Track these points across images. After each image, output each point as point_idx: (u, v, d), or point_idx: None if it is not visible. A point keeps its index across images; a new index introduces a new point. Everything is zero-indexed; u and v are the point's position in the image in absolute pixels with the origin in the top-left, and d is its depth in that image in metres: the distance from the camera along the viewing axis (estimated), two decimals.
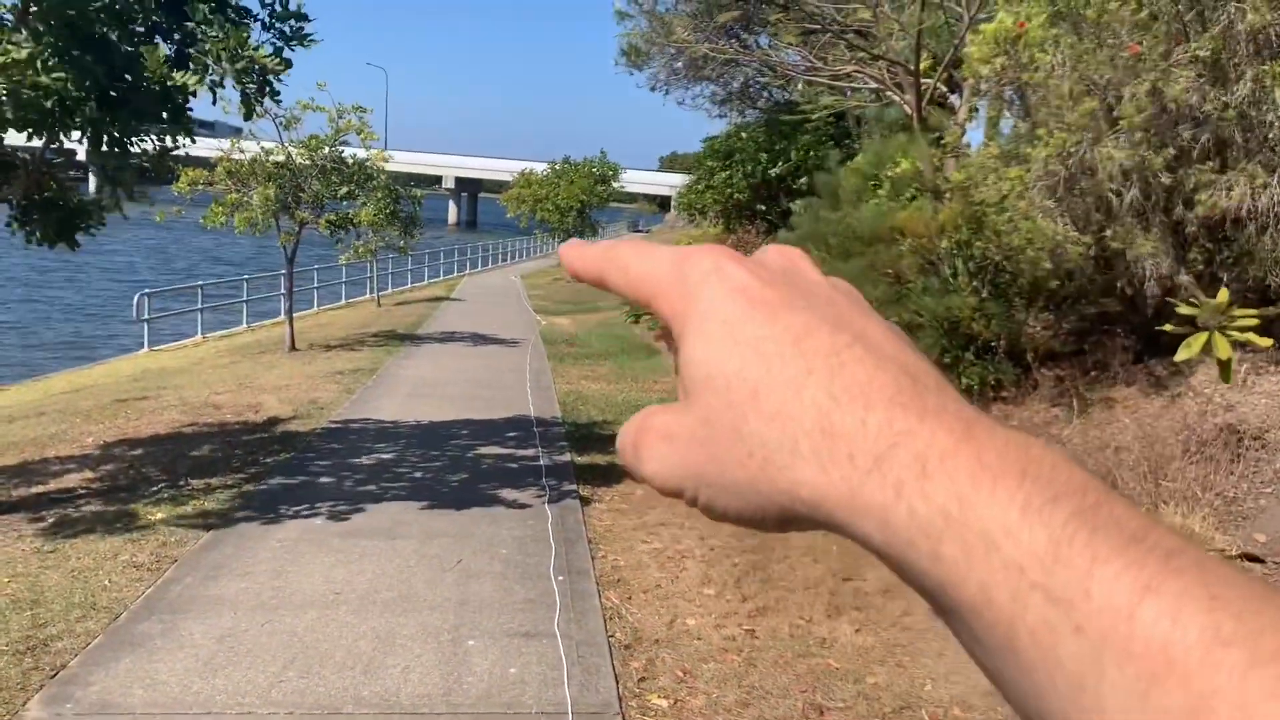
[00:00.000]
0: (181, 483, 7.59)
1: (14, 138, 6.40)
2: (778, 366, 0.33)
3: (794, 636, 4.92)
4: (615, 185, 35.46)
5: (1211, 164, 6.48)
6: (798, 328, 0.34)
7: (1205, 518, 5.13)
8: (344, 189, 15.92)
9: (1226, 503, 5.33)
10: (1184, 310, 4.78)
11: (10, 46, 5.62)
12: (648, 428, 0.37)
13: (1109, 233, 6.49)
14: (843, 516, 0.31)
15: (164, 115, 6.67)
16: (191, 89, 6.26)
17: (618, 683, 4.41)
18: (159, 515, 6.72)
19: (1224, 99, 6.08)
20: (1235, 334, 4.36)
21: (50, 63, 5.67)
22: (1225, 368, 4.74)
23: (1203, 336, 4.71)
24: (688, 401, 0.36)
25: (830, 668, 4.57)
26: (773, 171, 16.95)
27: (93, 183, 8.80)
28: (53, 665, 4.44)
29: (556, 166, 34.95)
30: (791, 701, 4.24)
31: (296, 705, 4.13)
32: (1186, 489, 5.42)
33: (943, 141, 9.37)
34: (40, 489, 7.42)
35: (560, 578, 5.73)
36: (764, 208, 17.13)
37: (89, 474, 7.89)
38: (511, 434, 9.90)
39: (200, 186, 15.10)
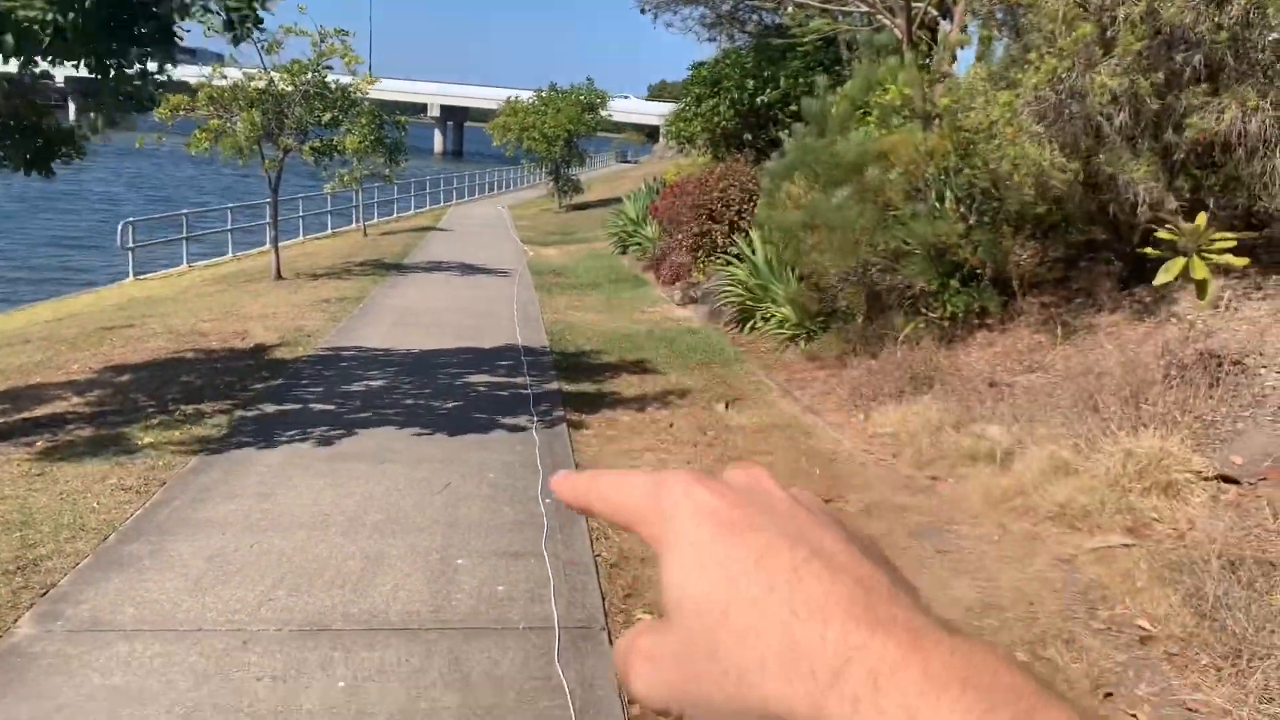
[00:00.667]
0: (169, 408, 7.60)
1: None
2: (743, 585, 0.36)
3: None
4: (603, 114, 34.96)
5: (1203, 87, 6.43)
6: (760, 546, 0.37)
7: (1183, 440, 5.20)
8: (327, 115, 15.70)
9: (1205, 426, 5.40)
10: (1164, 235, 4.79)
11: None
12: (635, 648, 0.40)
13: (1100, 157, 6.46)
14: None
15: (149, 41, 6.53)
16: (179, 14, 6.11)
17: (603, 599, 4.48)
18: (147, 440, 6.74)
19: (1217, 20, 6.02)
20: (1213, 256, 4.37)
21: None
22: (1202, 288, 4.76)
23: (1181, 261, 4.73)
24: (668, 622, 0.38)
25: None
26: (761, 99, 16.77)
27: (72, 110, 8.66)
28: (43, 584, 4.49)
29: (543, 94, 34.43)
30: None
31: (286, 622, 4.19)
32: (1166, 413, 5.49)
33: (932, 66, 9.28)
34: (27, 415, 7.43)
35: (547, 500, 5.79)
36: (751, 136, 16.97)
37: (76, 400, 7.90)
38: (499, 363, 9.92)
39: (182, 113, 14.87)
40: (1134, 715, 3.48)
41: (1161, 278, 4.35)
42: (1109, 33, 6.55)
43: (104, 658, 3.85)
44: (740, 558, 0.37)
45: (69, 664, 3.80)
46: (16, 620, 4.15)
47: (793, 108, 12.79)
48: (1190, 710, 3.48)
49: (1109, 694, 3.62)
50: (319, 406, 7.90)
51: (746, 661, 0.35)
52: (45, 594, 4.40)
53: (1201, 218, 4.46)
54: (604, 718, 3.52)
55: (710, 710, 0.36)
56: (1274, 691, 3.35)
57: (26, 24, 5.55)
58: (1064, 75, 6.77)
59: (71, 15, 5.73)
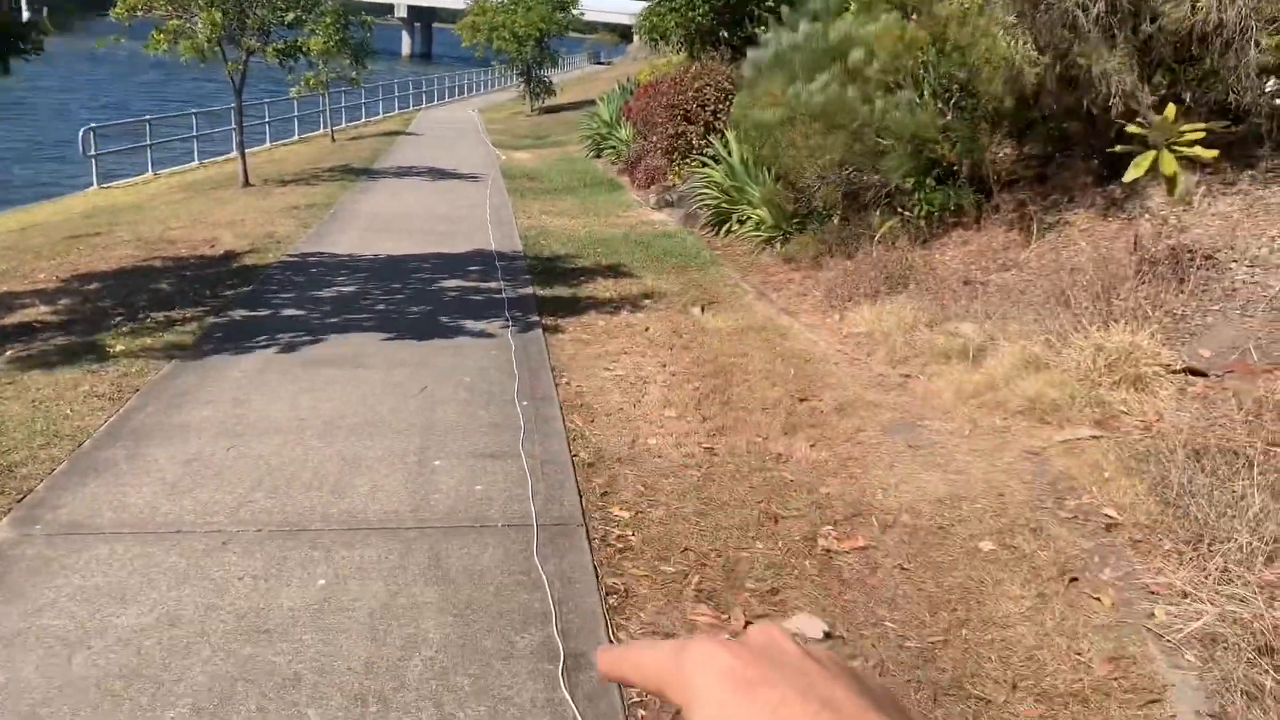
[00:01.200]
0: (140, 316, 7.52)
1: None
2: None
3: (751, 453, 5.05)
4: (575, 13, 34.15)
5: None
6: (775, 701, 0.42)
7: (1154, 334, 5.25)
8: (290, 15, 15.25)
9: (1175, 320, 5.45)
10: (1134, 129, 4.76)
11: None
12: None
13: (1075, 49, 6.37)
14: None
15: None
16: None
17: (581, 497, 4.53)
18: (118, 347, 6.68)
19: None
20: (1183, 149, 4.35)
21: None
22: (1172, 183, 4.75)
23: (1150, 155, 4.70)
24: None
25: (785, 480, 4.72)
26: None
27: (25, 8, 8.37)
28: (19, 490, 4.49)
29: None
30: (747, 511, 4.39)
31: (265, 523, 4.22)
32: (1137, 308, 5.53)
33: None
34: None
35: (524, 402, 5.81)
36: (727, 33, 16.62)
37: (45, 309, 7.79)
38: (473, 268, 9.84)
39: (139, 13, 14.39)
40: (1097, 598, 3.58)
41: (1131, 173, 4.33)
42: None
43: (84, 559, 3.87)
44: (757, 713, 0.41)
45: (49, 566, 3.82)
46: None
47: (769, 2, 12.50)
48: (1152, 592, 3.58)
49: (1074, 579, 3.72)
50: (292, 313, 7.84)
51: None
52: (22, 499, 4.40)
53: (1171, 110, 4.42)
54: (583, 609, 3.59)
55: None
56: (1233, 574, 3.45)
57: None
58: None
59: None
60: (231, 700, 3.02)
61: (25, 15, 7.97)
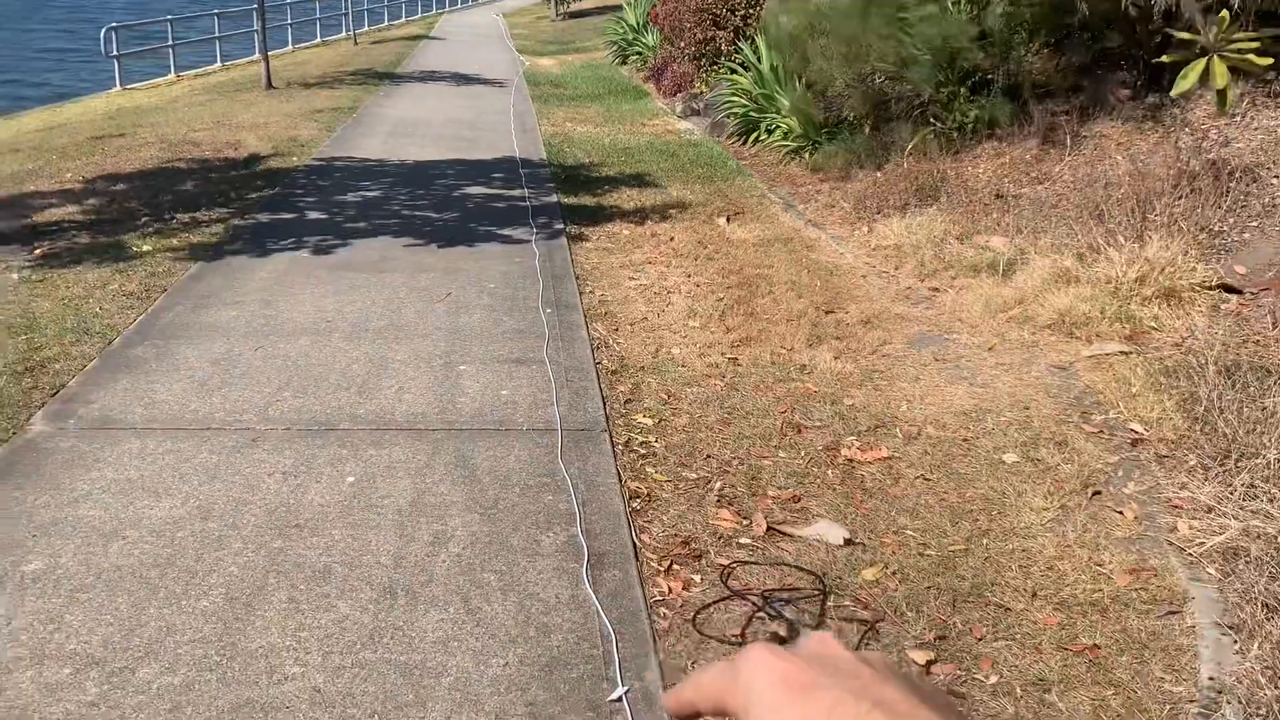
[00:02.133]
0: (166, 217, 7.53)
1: None
2: None
3: (775, 364, 5.04)
4: None
5: None
6: (828, 702, 0.43)
7: (1188, 250, 5.16)
8: None
9: (1211, 236, 5.35)
10: (1183, 35, 4.61)
11: None
12: None
13: None
14: None
15: None
16: None
17: (604, 404, 4.55)
18: (146, 247, 6.70)
19: None
20: (1233, 57, 4.21)
21: None
22: (1222, 95, 4.62)
23: (1200, 64, 4.57)
24: None
25: (809, 391, 4.72)
26: None
27: None
28: (52, 385, 4.55)
29: None
30: (771, 420, 4.40)
31: (294, 422, 4.27)
32: (1172, 222, 5.43)
33: None
34: (24, 222, 7.36)
35: (548, 310, 5.80)
36: None
37: (72, 208, 7.81)
38: (497, 174, 9.76)
39: None
40: (1120, 511, 3.59)
41: (1180, 85, 4.19)
42: None
43: (116, 453, 3.94)
44: (811, 714, 0.43)
45: (83, 459, 3.89)
46: (29, 418, 4.22)
47: None
48: (1176, 507, 3.58)
49: (1097, 492, 3.73)
50: (317, 216, 7.82)
51: None
52: (55, 394, 4.46)
53: (1224, 15, 4.27)
54: (606, 511, 3.63)
55: None
56: (1259, 490, 3.44)
57: None
58: None
59: None
60: (263, 591, 3.09)
61: None
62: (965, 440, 4.21)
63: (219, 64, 20.30)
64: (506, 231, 7.55)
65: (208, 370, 4.77)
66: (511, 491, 3.75)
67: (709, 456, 4.10)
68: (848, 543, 3.47)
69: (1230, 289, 4.91)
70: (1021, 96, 7.74)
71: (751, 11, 13.05)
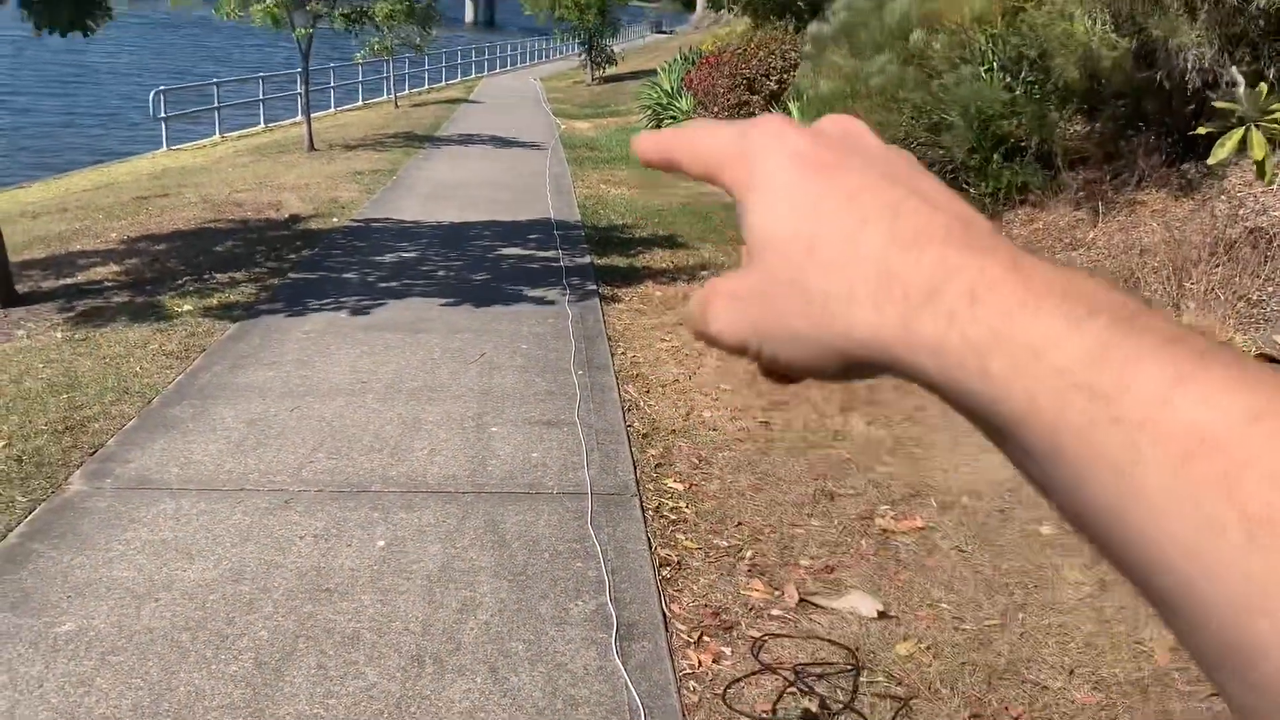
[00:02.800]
0: (206, 276, 7.66)
1: None
2: (833, 221, 0.35)
3: (807, 429, 5.02)
4: None
5: None
6: (853, 185, 0.36)
7: (1226, 318, 5.11)
8: None
9: (1250, 305, 5.30)
10: (1222, 105, 4.61)
11: None
12: (715, 290, 0.39)
13: (1157, 22, 6.18)
14: (898, 351, 0.33)
15: None
16: None
17: (635, 467, 4.54)
18: (186, 307, 6.82)
19: None
20: (1271, 128, 4.20)
21: None
22: (1261, 167, 4.61)
23: (1237, 133, 4.56)
24: (751, 264, 0.38)
25: (842, 458, 4.69)
26: None
27: None
28: (91, 444, 4.61)
29: None
30: (803, 487, 4.37)
31: (326, 484, 4.29)
32: (1209, 291, 5.39)
33: None
34: (68, 281, 7.52)
35: (580, 371, 5.83)
36: None
37: (115, 267, 7.97)
38: (532, 236, 9.87)
39: None
40: None
41: (1217, 154, 4.19)
42: None
43: (152, 514, 3.97)
44: (833, 194, 0.36)
45: (119, 519, 3.92)
46: (68, 477, 4.28)
47: None
48: None
49: None
50: (354, 276, 7.93)
51: (834, 291, 0.34)
52: (94, 453, 4.52)
53: (1264, 86, 4.27)
54: (636, 579, 3.60)
55: (790, 343, 0.36)
56: None
57: None
58: None
59: None
60: (292, 656, 3.09)
61: None
62: (1001, 511, 4.16)
63: (262, 126, 20.77)
64: (540, 292, 7.61)
65: (243, 431, 4.82)
66: (541, 557, 3.73)
67: (740, 523, 4.07)
68: (881, 616, 3.42)
69: (1270, 359, 4.84)
70: (1055, 162, 7.75)
71: (785, 78, 13.22)
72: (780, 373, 0.38)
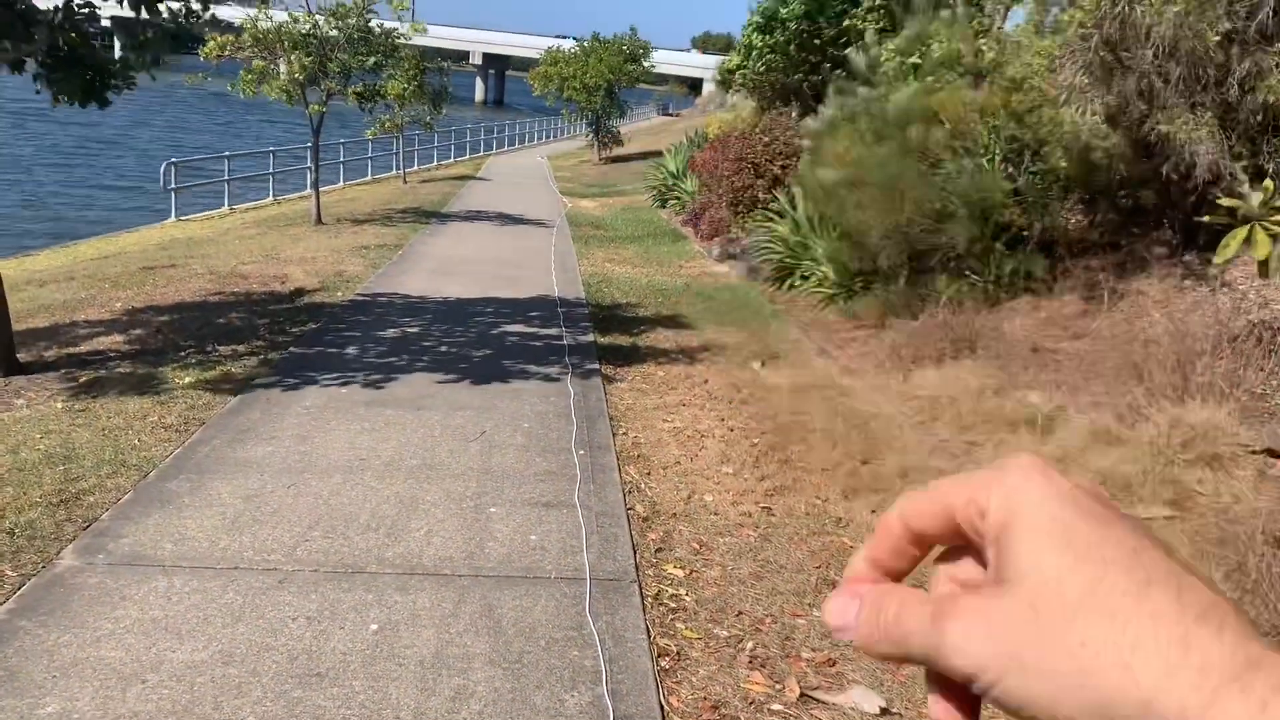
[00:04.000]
0: (209, 349, 7.67)
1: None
2: (1116, 571, 0.35)
3: (810, 515, 4.97)
4: (645, 65, 34.60)
5: (1277, 47, 6.19)
6: (1132, 541, 0.36)
7: (1231, 413, 5.09)
8: (371, 60, 15.64)
9: (1254, 399, 5.28)
10: (1226, 202, 4.65)
11: None
12: (957, 605, 0.38)
13: (1157, 117, 6.25)
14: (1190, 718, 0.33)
15: None
16: None
17: (635, 552, 4.48)
18: (187, 379, 6.80)
19: None
20: (1275, 227, 4.24)
21: None
22: (1264, 265, 4.63)
23: (1242, 232, 4.59)
24: (1010, 588, 0.37)
25: (845, 545, 4.63)
26: (814, 34, 16.48)
27: (118, 47, 8.68)
28: (85, 518, 4.56)
29: (585, 44, 34.09)
30: (805, 576, 4.31)
31: (321, 564, 4.23)
32: (1214, 384, 5.37)
33: (984, 21, 9.06)
34: (71, 350, 7.52)
35: (581, 452, 5.79)
36: (803, 79, 16.68)
37: (118, 338, 7.98)
38: (536, 313, 9.91)
39: (227, 53, 14.86)
40: None
41: (1223, 253, 4.21)
42: None
43: (143, 591, 3.91)
44: (1113, 543, 0.36)
45: (109, 596, 3.86)
46: (60, 552, 4.22)
47: (845, 51, 12.56)
48: None
49: None
50: (357, 351, 7.94)
51: (1115, 638, 0.34)
52: (88, 527, 4.47)
53: (1269, 185, 4.31)
54: (634, 670, 3.53)
55: (1045, 678, 0.35)
56: None
57: None
58: (1109, 10, 6.52)
59: None
60: None
61: (118, 49, 8.24)
62: None
63: (271, 198, 21.01)
64: (542, 370, 7.61)
65: (240, 507, 4.77)
66: (537, 645, 3.66)
67: (741, 613, 4.00)
68: (884, 712, 3.34)
69: (1275, 454, 4.81)
70: (1057, 252, 7.81)
71: (790, 162, 13.39)
72: (1014, 707, 0.36)
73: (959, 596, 0.38)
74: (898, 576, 0.44)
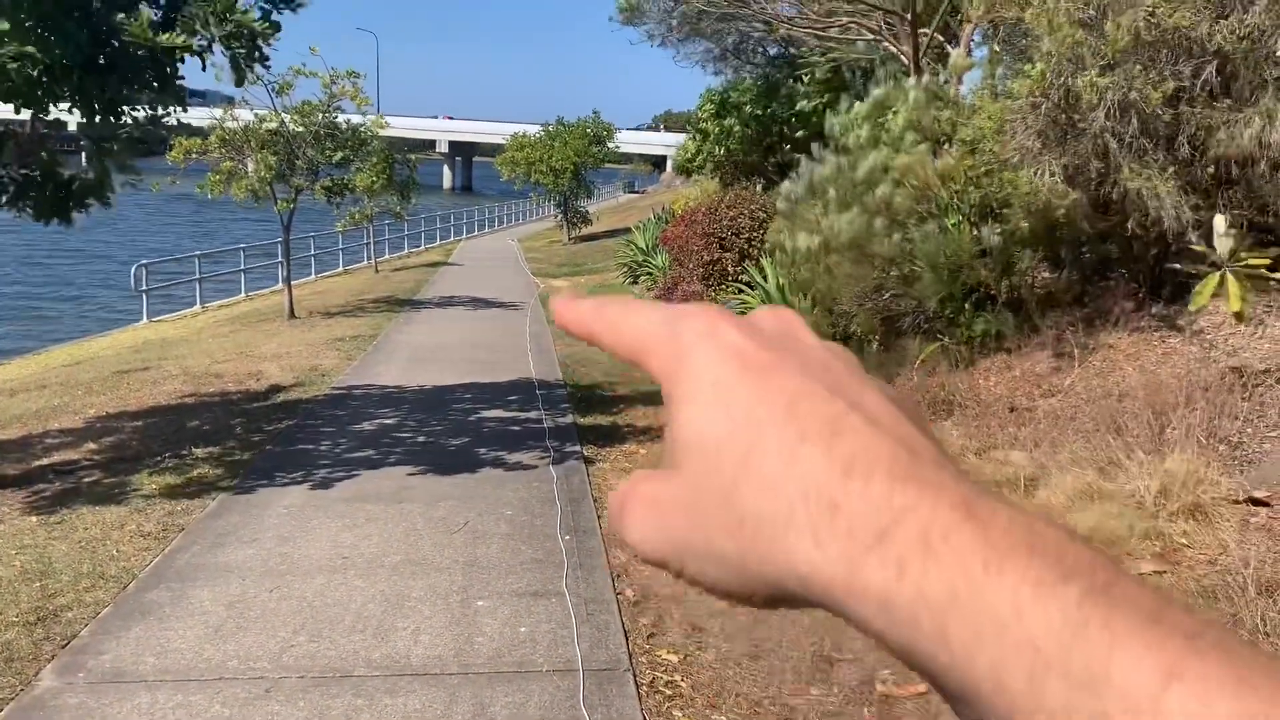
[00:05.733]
0: (185, 452, 7.59)
1: (2, 111, 6.33)
2: (770, 432, 0.32)
3: None
4: (610, 146, 35.13)
5: (1227, 102, 6.37)
6: (791, 392, 0.33)
7: (1210, 463, 5.13)
8: (339, 155, 15.81)
9: (1231, 447, 5.33)
10: (1198, 249, 4.74)
11: None
12: (634, 494, 0.36)
13: (1122, 172, 6.40)
14: (838, 596, 0.30)
15: (153, 83, 6.58)
16: (179, 53, 6.18)
17: (627, 639, 4.43)
18: (164, 485, 6.72)
19: (1234, 30, 5.97)
20: (1245, 273, 4.32)
21: (34, 30, 5.60)
22: (1239, 314, 4.71)
23: (1213, 280, 4.68)
24: (676, 468, 0.34)
25: (839, 621, 4.58)
26: (768, 116, 16.83)
27: (84, 157, 8.74)
28: (63, 635, 4.46)
29: (550, 128, 34.61)
30: (800, 654, 4.26)
31: (308, 669, 4.15)
32: (1190, 434, 5.42)
33: (940, 90, 9.28)
34: (44, 461, 7.43)
35: (567, 537, 5.74)
36: (760, 159, 17.02)
37: (92, 445, 7.89)
38: (513, 397, 9.89)
39: (194, 156, 14.99)
40: None
41: (1196, 302, 4.29)
42: (1103, 42, 6.51)
43: (126, 709, 3.81)
44: (770, 402, 0.33)
45: (90, 716, 3.76)
46: (38, 673, 4.12)
47: (800, 133, 12.82)
48: None
49: None
50: (335, 446, 7.88)
51: (768, 512, 0.31)
52: (66, 645, 4.37)
53: (1236, 232, 4.41)
54: None
55: (715, 564, 0.33)
56: None
57: (15, 67, 5.60)
58: (1055, 80, 6.72)
59: (58, 53, 5.79)
60: None
61: (84, 159, 8.29)
62: None
63: (243, 295, 21.02)
64: (523, 455, 7.57)
65: (222, 614, 4.68)
66: None
67: (739, 695, 3.94)
68: None
69: (1259, 502, 4.84)
70: (1026, 309, 7.91)
71: (756, 234, 13.57)
72: (706, 590, 0.34)
73: (639, 482, 0.36)
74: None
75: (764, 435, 0.32)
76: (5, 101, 6.15)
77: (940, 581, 0.28)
